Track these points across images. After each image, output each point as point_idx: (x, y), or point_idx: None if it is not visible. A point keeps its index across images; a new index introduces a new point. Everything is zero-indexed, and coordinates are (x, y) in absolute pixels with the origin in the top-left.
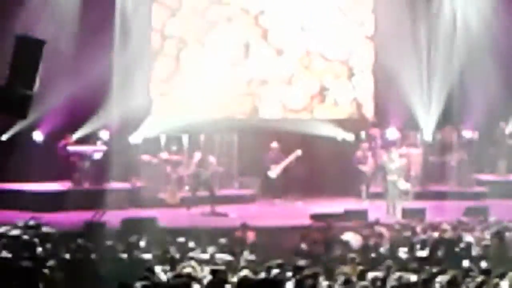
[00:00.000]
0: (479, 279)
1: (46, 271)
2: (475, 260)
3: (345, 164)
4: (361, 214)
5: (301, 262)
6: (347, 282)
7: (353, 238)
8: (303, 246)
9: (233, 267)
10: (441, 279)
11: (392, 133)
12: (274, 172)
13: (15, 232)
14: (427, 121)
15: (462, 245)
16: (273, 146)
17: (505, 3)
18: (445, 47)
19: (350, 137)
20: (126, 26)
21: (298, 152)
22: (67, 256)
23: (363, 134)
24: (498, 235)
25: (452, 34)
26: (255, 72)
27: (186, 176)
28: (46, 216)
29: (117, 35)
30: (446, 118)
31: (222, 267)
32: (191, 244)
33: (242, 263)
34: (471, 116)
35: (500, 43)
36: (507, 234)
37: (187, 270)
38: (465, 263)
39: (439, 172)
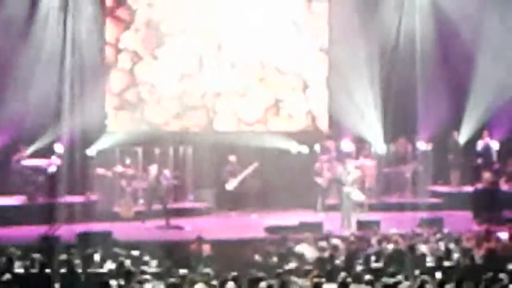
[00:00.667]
0: None
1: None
2: (429, 271)
3: (300, 177)
4: (316, 226)
5: (256, 275)
6: None
7: (307, 250)
8: (258, 258)
9: (188, 280)
10: None
11: (346, 145)
12: (231, 184)
13: None
14: (382, 133)
15: (416, 256)
16: (231, 159)
17: (453, 13)
18: (397, 59)
19: (305, 149)
20: (79, 40)
21: (255, 164)
22: (22, 270)
23: (318, 146)
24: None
25: (404, 45)
26: (209, 85)
27: (141, 190)
28: (0, 231)
29: (69, 49)
30: (400, 130)
31: (178, 281)
32: (146, 258)
33: (198, 276)
34: (425, 127)
35: (451, 54)
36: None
37: (143, 284)
38: (420, 274)
39: (393, 183)
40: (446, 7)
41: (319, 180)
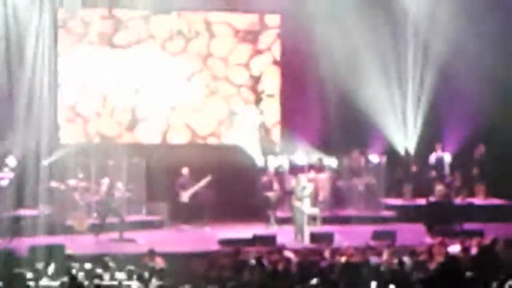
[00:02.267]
0: None
1: None
2: (383, 284)
3: (253, 189)
4: (270, 239)
5: None
6: None
7: (261, 263)
8: (212, 271)
9: None
10: None
11: (299, 158)
12: (184, 197)
13: None
14: (335, 146)
15: (370, 269)
16: (183, 172)
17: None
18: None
19: (258, 162)
20: (30, 51)
21: (209, 177)
22: None
23: (271, 159)
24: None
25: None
26: (162, 97)
27: (94, 203)
28: None
29: (20, 60)
30: (353, 143)
31: None
32: (99, 271)
33: None
34: (377, 140)
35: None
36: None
37: None
38: (373, 286)
39: (347, 196)
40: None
41: (268, 193)
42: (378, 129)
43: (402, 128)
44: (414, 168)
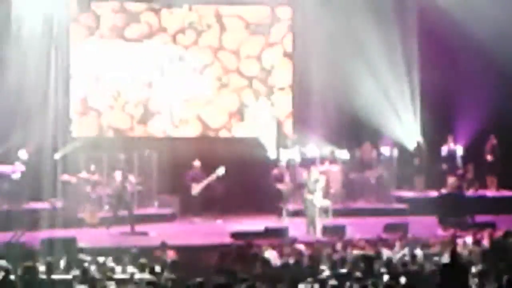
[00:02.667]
0: None
1: None
2: (395, 276)
3: (265, 182)
4: (282, 232)
5: (222, 280)
6: None
7: (273, 256)
8: (224, 264)
9: (153, 286)
10: None
11: (311, 150)
12: (195, 190)
13: None
14: (347, 138)
15: (382, 261)
16: (195, 164)
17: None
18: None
19: (270, 154)
20: (42, 46)
21: (221, 170)
22: None
23: (283, 151)
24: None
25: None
26: (174, 90)
27: (106, 196)
28: None
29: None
30: (365, 135)
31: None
32: (111, 264)
33: (163, 282)
34: (390, 132)
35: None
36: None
37: None
38: (385, 279)
39: (358, 189)
40: None
41: (280, 186)
42: (390, 121)
43: (414, 120)
44: (426, 160)
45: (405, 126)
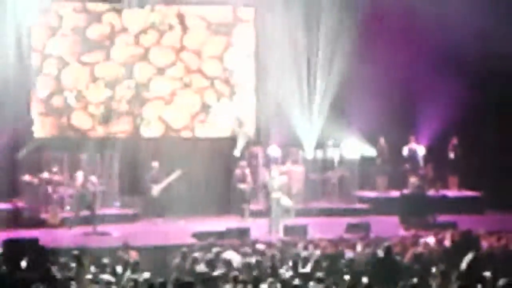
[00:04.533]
0: None
1: None
2: (356, 276)
3: (227, 183)
4: (243, 232)
5: (185, 279)
6: None
7: (234, 256)
8: (186, 264)
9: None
10: None
11: (273, 150)
12: (155, 191)
13: None
14: (309, 138)
15: (343, 261)
16: (153, 165)
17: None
18: (324, 63)
19: (232, 155)
20: (4, 45)
21: (179, 171)
22: None
23: (244, 152)
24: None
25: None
26: (135, 90)
27: (68, 196)
28: None
29: None
30: (328, 136)
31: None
32: (73, 265)
33: (125, 283)
34: (352, 132)
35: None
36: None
37: None
38: (347, 279)
39: (320, 189)
40: None
41: (241, 186)
42: (353, 120)
43: (375, 120)
44: (387, 161)
45: (367, 126)
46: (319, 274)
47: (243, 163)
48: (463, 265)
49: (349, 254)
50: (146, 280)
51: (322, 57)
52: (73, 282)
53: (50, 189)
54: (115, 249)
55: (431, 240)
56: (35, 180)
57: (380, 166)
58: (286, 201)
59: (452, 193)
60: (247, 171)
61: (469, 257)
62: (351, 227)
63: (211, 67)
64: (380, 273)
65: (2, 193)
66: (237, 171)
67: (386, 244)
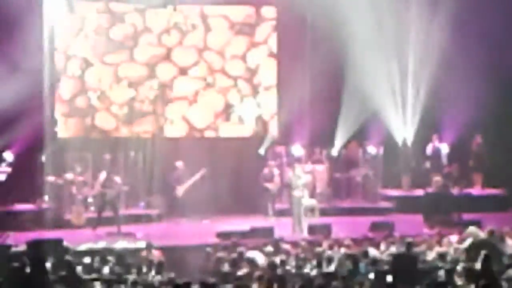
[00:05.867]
0: None
1: None
2: (380, 275)
3: (251, 182)
4: (267, 232)
5: (208, 281)
6: None
7: (259, 256)
8: (210, 264)
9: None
10: None
11: (297, 150)
12: (179, 191)
13: None
14: (333, 137)
15: (367, 260)
16: (177, 165)
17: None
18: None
19: (255, 155)
20: (29, 46)
21: (203, 171)
22: None
23: (268, 151)
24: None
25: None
26: (159, 90)
27: (92, 196)
28: None
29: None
30: (351, 134)
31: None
32: (97, 265)
33: (149, 283)
34: (376, 131)
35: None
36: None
37: None
38: (371, 277)
39: (344, 188)
40: None
41: (269, 185)
42: (377, 120)
43: (401, 120)
44: (411, 159)
45: (392, 125)
46: (343, 273)
47: (271, 162)
48: (477, 264)
49: (373, 252)
50: (170, 280)
51: (345, 55)
52: (97, 283)
53: (74, 189)
54: (139, 249)
55: (454, 238)
56: (59, 181)
57: (404, 164)
58: (310, 200)
59: (476, 191)
60: (275, 170)
61: (481, 256)
62: (375, 226)
63: (234, 67)
64: (401, 269)
65: (27, 194)
66: (265, 170)
67: (407, 240)
